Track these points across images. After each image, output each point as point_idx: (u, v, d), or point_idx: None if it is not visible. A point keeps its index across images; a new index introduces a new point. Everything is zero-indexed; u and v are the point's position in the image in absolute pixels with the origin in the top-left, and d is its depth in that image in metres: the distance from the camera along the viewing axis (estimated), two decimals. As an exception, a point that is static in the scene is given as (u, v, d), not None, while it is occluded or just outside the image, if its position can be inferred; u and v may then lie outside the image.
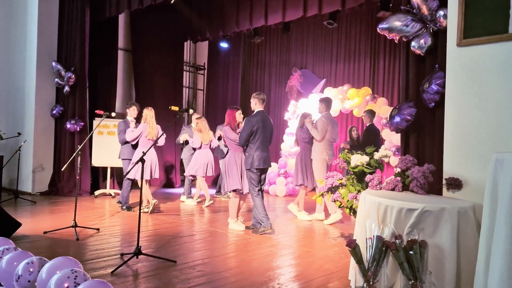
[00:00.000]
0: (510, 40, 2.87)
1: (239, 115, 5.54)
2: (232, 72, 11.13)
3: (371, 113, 7.35)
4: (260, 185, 5.31)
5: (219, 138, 7.24)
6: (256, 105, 5.37)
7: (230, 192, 5.48)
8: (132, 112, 6.69)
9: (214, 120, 10.11)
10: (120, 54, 9.59)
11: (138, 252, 3.75)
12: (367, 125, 7.31)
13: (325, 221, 6.01)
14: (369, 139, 6.89)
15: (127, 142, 6.49)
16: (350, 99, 8.63)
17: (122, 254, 3.98)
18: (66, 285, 2.34)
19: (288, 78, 10.81)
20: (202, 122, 7.36)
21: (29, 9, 8.14)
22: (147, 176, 6.30)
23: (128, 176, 6.22)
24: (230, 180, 5.35)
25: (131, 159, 6.42)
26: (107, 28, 8.74)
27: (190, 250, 4.31)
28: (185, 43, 11.10)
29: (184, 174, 7.54)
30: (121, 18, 9.48)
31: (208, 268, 3.71)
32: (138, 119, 6.76)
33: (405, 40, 3.88)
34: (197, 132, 7.32)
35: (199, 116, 7.61)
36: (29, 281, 2.58)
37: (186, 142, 7.62)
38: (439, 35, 3.64)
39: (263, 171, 5.31)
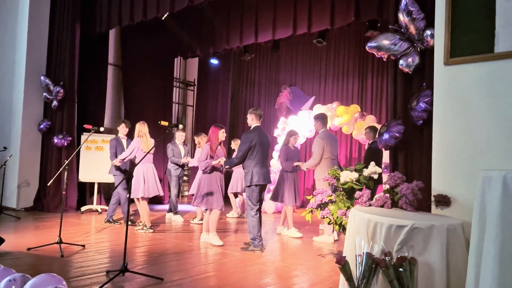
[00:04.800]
0: (496, 59, 2.92)
1: (222, 133, 5.54)
2: (222, 88, 11.17)
3: (374, 130, 6.98)
4: (259, 203, 5.25)
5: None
6: (253, 120, 5.37)
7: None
8: (121, 129, 6.67)
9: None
10: (110, 69, 9.58)
11: (124, 269, 3.68)
12: (369, 142, 7.05)
13: (315, 237, 5.97)
14: (371, 158, 6.52)
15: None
16: (339, 117, 8.70)
17: (108, 271, 3.89)
18: (49, 303, 2.27)
19: (277, 95, 10.88)
20: (203, 138, 7.20)
21: (18, 23, 8.11)
22: (144, 194, 6.03)
23: (132, 196, 6.00)
24: (213, 198, 5.38)
25: (122, 174, 6.38)
26: (97, 43, 8.72)
27: (178, 268, 4.24)
28: (175, 59, 11.15)
29: (189, 193, 7.43)
30: (112, 34, 9.49)
31: (196, 286, 3.64)
32: (129, 136, 6.72)
33: (393, 58, 3.94)
34: (198, 149, 7.25)
35: (200, 133, 7.49)
36: (10, 299, 2.50)
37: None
38: (427, 54, 3.71)
39: (262, 187, 5.25)
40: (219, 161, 5.38)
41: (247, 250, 5.10)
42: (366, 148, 7.34)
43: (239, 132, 11.38)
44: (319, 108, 9.09)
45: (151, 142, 6.18)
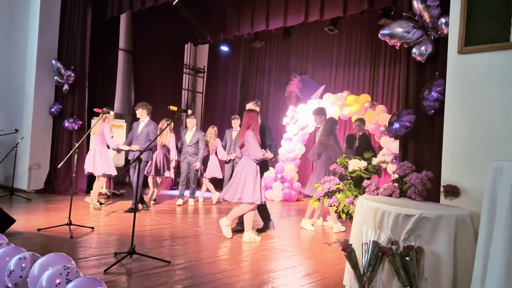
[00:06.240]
0: (511, 49, 2.87)
1: (259, 119, 5.11)
2: (232, 76, 11.13)
3: (363, 122, 7.26)
4: None
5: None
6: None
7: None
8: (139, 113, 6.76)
9: (212, 123, 10.07)
10: (121, 54, 9.59)
11: (132, 251, 3.73)
12: (360, 134, 7.16)
13: (324, 222, 6.06)
14: (365, 148, 6.71)
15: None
16: (349, 106, 8.64)
17: (116, 253, 3.94)
18: (58, 281, 2.31)
19: (287, 84, 10.80)
20: (163, 123, 7.32)
21: (31, 7, 8.13)
22: (98, 172, 6.53)
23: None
24: (255, 189, 4.89)
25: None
26: (108, 28, 8.73)
27: (184, 251, 4.28)
28: (186, 45, 11.13)
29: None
30: (123, 19, 9.49)
31: (202, 270, 3.68)
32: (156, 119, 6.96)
33: (406, 46, 3.88)
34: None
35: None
36: (21, 277, 2.55)
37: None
38: (440, 43, 3.65)
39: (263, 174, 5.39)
40: (269, 154, 5.03)
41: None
42: (359, 138, 7.28)
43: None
44: (329, 97, 9.04)
45: (99, 126, 6.45)
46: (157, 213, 6.50)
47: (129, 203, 6.73)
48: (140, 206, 6.61)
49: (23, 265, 2.59)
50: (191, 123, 7.65)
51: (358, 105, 8.49)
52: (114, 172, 6.73)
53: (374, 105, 8.42)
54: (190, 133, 7.55)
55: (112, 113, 6.19)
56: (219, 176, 8.14)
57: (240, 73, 11.14)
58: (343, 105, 8.75)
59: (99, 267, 3.51)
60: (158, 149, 7.22)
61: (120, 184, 8.24)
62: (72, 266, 2.50)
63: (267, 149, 5.07)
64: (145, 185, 7.17)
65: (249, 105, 5.45)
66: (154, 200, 7.56)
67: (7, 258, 2.69)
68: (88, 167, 6.59)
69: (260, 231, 5.42)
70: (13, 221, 4.45)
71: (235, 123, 7.90)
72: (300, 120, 9.32)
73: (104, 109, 6.24)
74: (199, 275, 3.51)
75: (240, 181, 4.86)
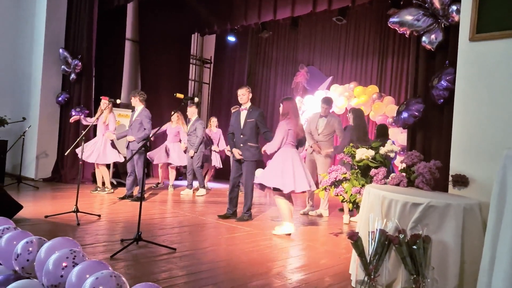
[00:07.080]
0: (525, 35, 2.82)
1: None
2: (238, 66, 11.07)
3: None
4: None
5: None
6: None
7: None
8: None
9: (218, 114, 10.06)
10: (128, 44, 9.58)
11: (138, 238, 3.74)
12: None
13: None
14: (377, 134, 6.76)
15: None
16: (357, 97, 8.57)
17: (122, 240, 3.96)
18: (64, 264, 2.31)
19: (294, 75, 10.72)
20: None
21: (38, -5, 8.14)
22: (97, 160, 6.68)
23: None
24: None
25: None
26: (115, 18, 8.72)
27: (190, 239, 4.29)
28: (193, 35, 11.08)
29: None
30: (130, 9, 9.46)
31: (207, 257, 3.68)
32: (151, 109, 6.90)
33: (416, 35, 3.82)
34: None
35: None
36: (27, 260, 2.56)
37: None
38: (451, 31, 3.59)
39: None
40: None
41: (242, 220, 5.38)
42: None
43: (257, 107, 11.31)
44: (337, 88, 8.97)
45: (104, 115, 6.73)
46: (164, 202, 6.53)
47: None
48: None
49: (30, 249, 2.59)
50: (190, 112, 7.61)
51: (366, 96, 8.42)
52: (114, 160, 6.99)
53: (382, 96, 8.34)
54: (190, 123, 7.58)
55: (118, 101, 6.16)
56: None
57: (246, 63, 11.07)
58: (350, 96, 8.68)
59: (106, 253, 3.53)
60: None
61: (126, 174, 8.25)
62: (79, 250, 2.51)
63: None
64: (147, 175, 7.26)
65: (242, 91, 5.61)
66: (157, 184, 7.91)
67: (14, 242, 2.70)
68: (88, 156, 6.60)
69: (222, 217, 5.52)
70: (20, 207, 4.49)
71: None
72: (307, 111, 9.27)
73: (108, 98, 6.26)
74: (203, 262, 3.52)
75: (304, 170, 4.76)
